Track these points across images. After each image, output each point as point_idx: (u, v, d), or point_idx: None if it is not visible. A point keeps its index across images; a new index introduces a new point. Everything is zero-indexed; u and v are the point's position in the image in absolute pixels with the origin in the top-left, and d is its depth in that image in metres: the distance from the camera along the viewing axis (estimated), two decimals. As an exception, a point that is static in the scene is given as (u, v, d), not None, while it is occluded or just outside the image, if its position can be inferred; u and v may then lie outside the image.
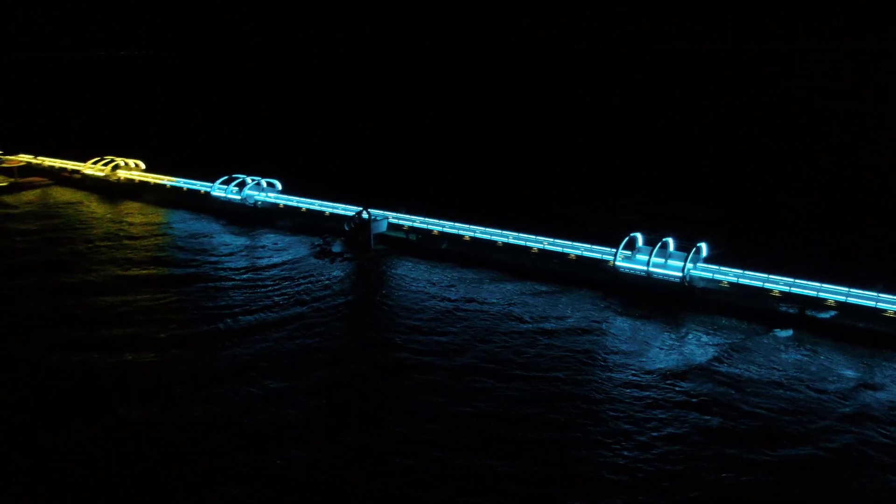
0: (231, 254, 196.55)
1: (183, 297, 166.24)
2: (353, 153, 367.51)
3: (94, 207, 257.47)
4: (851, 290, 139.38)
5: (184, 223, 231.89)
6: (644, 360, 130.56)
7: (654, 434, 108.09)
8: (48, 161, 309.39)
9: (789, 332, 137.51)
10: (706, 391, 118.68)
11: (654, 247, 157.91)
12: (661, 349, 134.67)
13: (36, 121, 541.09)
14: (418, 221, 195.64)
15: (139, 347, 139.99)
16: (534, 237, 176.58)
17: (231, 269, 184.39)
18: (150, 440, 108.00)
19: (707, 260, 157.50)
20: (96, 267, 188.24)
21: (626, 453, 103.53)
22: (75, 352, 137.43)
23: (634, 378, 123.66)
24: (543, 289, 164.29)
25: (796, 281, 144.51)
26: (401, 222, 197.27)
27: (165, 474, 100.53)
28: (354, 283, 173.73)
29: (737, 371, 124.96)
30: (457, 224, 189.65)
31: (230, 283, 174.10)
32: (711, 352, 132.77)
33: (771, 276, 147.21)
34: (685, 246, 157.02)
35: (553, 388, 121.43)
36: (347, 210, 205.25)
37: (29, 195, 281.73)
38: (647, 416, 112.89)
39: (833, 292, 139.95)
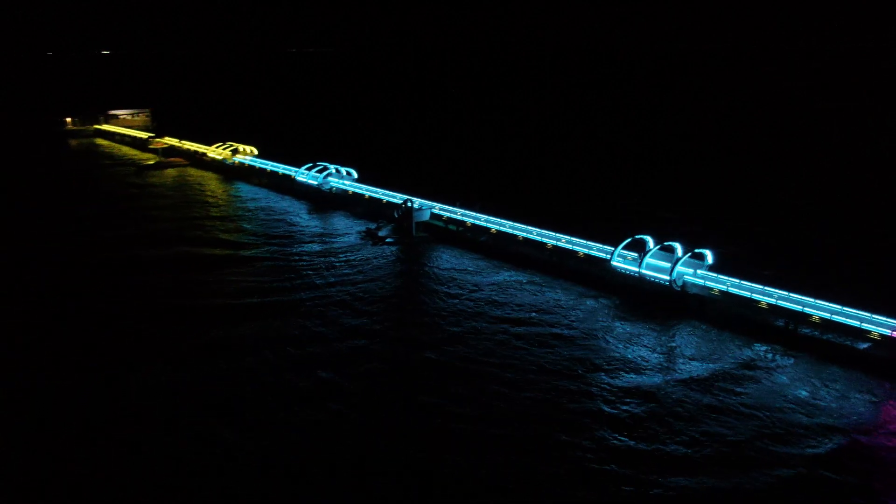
0: (289, 235, 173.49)
1: (230, 275, 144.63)
2: (425, 147, 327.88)
3: (212, 187, 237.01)
4: (844, 308, 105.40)
5: (273, 205, 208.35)
6: (602, 369, 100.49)
7: (555, 443, 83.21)
8: (187, 144, 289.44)
9: (791, 361, 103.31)
10: (642, 410, 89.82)
11: (659, 249, 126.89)
12: (626, 358, 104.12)
13: (191, 108, 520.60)
14: (459, 214, 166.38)
15: (157, 325, 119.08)
16: (553, 234, 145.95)
17: (286, 247, 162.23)
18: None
19: (713, 268, 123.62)
20: (174, 244, 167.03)
21: (512, 461, 79.97)
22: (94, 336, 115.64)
23: (572, 386, 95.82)
24: (545, 285, 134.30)
25: (790, 294, 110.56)
26: (442, 213, 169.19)
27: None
28: (377, 268, 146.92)
29: (687, 392, 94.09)
30: (490, 218, 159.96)
31: (275, 262, 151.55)
32: (674, 366, 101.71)
33: (766, 288, 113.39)
34: (693, 251, 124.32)
35: (493, 388, 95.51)
36: (402, 199, 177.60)
37: (171, 173, 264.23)
38: (565, 427, 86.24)
39: (820, 308, 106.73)
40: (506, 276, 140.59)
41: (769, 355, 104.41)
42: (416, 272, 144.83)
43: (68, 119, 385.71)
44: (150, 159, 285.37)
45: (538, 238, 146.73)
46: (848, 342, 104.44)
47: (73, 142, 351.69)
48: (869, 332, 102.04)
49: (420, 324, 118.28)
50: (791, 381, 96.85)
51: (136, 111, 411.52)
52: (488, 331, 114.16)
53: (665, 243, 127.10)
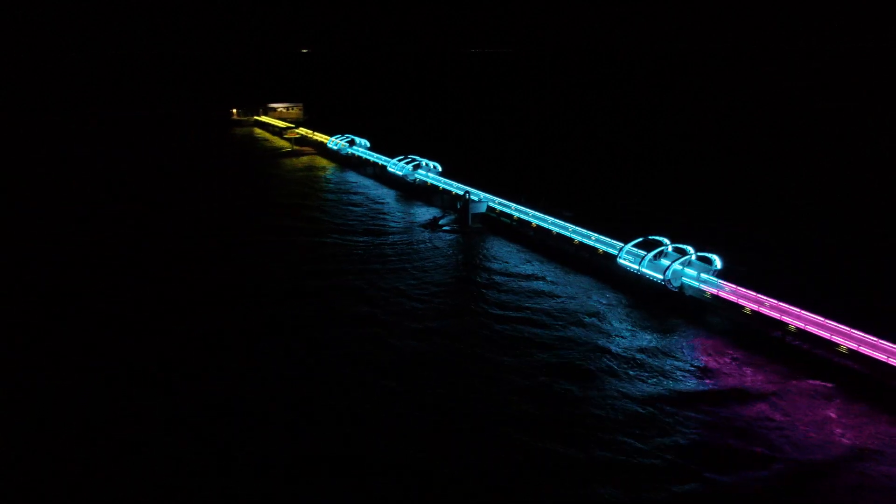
0: (364, 225, 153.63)
1: (270, 262, 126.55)
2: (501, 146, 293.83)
3: (324, 175, 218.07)
4: (820, 317, 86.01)
5: (363, 192, 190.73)
6: (561, 373, 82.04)
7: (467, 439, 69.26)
8: (317, 135, 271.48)
9: (757, 374, 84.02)
10: (573, 415, 72.96)
11: (672, 251, 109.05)
12: (598, 363, 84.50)
13: (346, 104, 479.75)
14: (513, 208, 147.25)
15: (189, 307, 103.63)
16: (584, 231, 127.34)
17: (348, 235, 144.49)
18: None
19: (720, 273, 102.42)
20: (258, 230, 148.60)
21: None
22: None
23: (521, 383, 79.75)
24: (562, 282, 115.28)
25: (780, 303, 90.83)
26: (496, 207, 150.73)
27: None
28: (410, 259, 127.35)
29: (629, 403, 74.80)
30: (537, 214, 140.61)
31: (329, 249, 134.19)
32: (638, 375, 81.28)
33: (759, 295, 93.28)
34: (695, 254, 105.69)
35: (441, 375, 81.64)
36: (472, 193, 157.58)
37: (301, 160, 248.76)
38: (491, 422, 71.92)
39: (796, 317, 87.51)
40: (538, 265, 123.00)
41: (736, 365, 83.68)
42: (447, 264, 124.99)
43: (234, 110, 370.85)
44: (288, 147, 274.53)
45: (568, 234, 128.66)
46: (841, 361, 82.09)
47: (237, 130, 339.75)
48: (838, 346, 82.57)
49: (424, 316, 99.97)
50: (749, 397, 75.71)
51: (290, 104, 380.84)
52: (491, 327, 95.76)
53: (676, 245, 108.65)
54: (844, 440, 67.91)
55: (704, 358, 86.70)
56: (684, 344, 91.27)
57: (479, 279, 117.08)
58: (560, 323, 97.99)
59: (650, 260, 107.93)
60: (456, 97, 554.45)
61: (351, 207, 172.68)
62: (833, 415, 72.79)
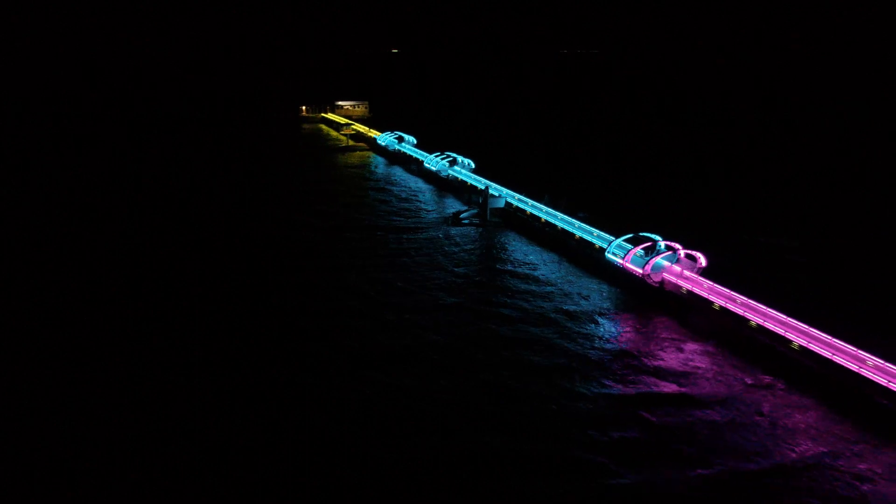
0: (386, 219, 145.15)
1: (280, 257, 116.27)
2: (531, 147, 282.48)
3: (374, 170, 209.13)
4: (782, 314, 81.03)
5: (407, 184, 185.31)
6: (524, 370, 75.01)
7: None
8: (372, 132, 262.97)
9: (711, 372, 78.66)
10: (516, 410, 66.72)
11: (664, 248, 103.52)
12: (553, 359, 77.37)
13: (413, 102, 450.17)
14: (530, 204, 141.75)
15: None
16: (588, 227, 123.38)
17: (381, 226, 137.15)
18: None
19: (706, 270, 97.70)
20: (270, 226, 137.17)
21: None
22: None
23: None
24: (553, 274, 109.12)
25: (749, 301, 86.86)
26: (514, 202, 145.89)
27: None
28: (425, 247, 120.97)
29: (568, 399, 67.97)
30: (550, 210, 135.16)
31: (342, 242, 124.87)
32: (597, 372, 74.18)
33: (732, 292, 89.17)
34: (679, 250, 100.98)
35: (429, 372, 74.51)
36: (494, 190, 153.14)
37: (353, 155, 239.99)
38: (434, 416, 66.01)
39: (762, 314, 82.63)
40: (544, 260, 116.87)
41: (694, 363, 76.80)
42: (448, 261, 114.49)
43: (303, 107, 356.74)
44: (344, 142, 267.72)
45: (572, 230, 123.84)
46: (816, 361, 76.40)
47: (305, 126, 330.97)
48: (790, 342, 77.79)
49: (418, 310, 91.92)
50: (698, 398, 68.67)
51: (357, 102, 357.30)
52: (476, 323, 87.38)
53: (668, 242, 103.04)
54: (782, 440, 63.07)
55: (665, 355, 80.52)
56: (652, 341, 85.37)
57: (476, 274, 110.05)
58: (537, 318, 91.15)
59: (636, 255, 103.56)
60: (522, 97, 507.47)
61: (380, 203, 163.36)
62: (770, 410, 68.01)
